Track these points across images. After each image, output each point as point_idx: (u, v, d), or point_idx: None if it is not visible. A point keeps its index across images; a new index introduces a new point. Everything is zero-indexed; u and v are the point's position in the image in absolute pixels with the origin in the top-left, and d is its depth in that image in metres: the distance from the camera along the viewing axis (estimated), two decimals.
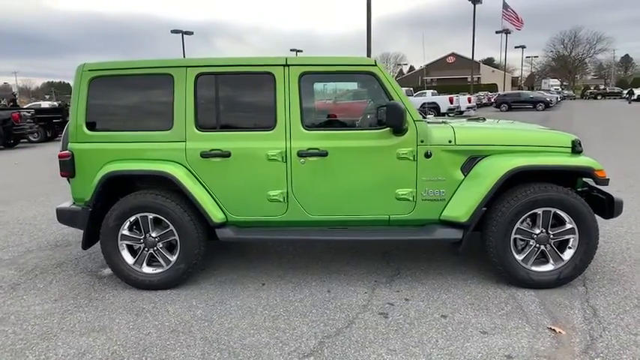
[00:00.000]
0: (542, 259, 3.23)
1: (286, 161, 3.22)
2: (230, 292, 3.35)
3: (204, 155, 3.25)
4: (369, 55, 17.84)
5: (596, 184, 3.17)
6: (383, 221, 3.33)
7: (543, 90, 43.46)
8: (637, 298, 3.04)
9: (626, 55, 76.12)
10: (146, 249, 3.37)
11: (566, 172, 3.21)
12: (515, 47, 50.61)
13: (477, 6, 26.85)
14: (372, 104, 3.88)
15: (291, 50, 39.55)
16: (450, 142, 3.22)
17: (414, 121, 3.19)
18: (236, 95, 3.38)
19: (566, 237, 3.17)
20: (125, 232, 3.35)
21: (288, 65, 3.21)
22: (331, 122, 3.76)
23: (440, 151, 3.21)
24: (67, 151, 3.37)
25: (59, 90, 77.05)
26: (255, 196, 3.29)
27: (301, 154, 3.21)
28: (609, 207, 3.20)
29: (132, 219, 3.32)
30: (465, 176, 3.24)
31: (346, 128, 3.39)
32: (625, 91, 42.33)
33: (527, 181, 3.19)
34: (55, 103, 19.63)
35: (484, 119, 3.96)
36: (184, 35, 33.75)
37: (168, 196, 3.27)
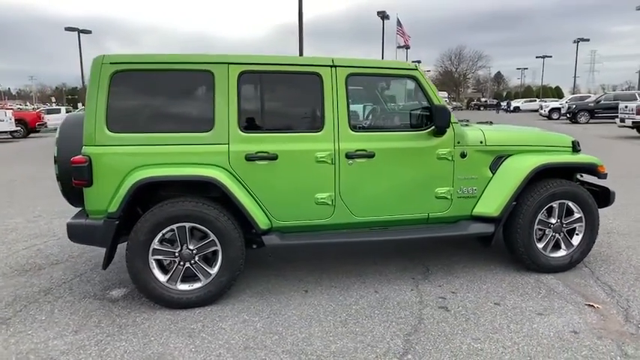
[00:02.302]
0: (556, 245, 3.64)
1: (335, 163, 3.18)
2: (277, 302, 3.18)
3: (250, 158, 3.06)
4: (300, 55, 17.98)
5: (598, 178, 3.67)
6: (422, 219, 3.46)
7: None
8: (632, 273, 3.59)
9: (499, 72, 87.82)
10: (182, 263, 3.04)
11: (575, 168, 3.67)
12: (413, 62, 55.07)
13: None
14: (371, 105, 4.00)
15: None
16: (481, 142, 3.48)
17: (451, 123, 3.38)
18: (281, 95, 3.25)
19: (575, 225, 3.62)
20: (157, 245, 2.99)
21: (335, 66, 3.18)
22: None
23: (473, 151, 3.45)
24: (82, 157, 2.91)
25: None
26: (303, 199, 3.19)
27: (350, 156, 3.20)
28: (605, 197, 3.72)
29: (165, 230, 2.98)
30: (493, 174, 3.52)
31: (391, 129, 3.45)
32: (503, 103, 49.19)
33: (541, 178, 3.57)
34: None
35: (491, 123, 4.32)
36: (64, 32, 30.18)
37: (209, 204, 3.01)
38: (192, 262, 3.05)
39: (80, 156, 2.93)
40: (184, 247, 3.03)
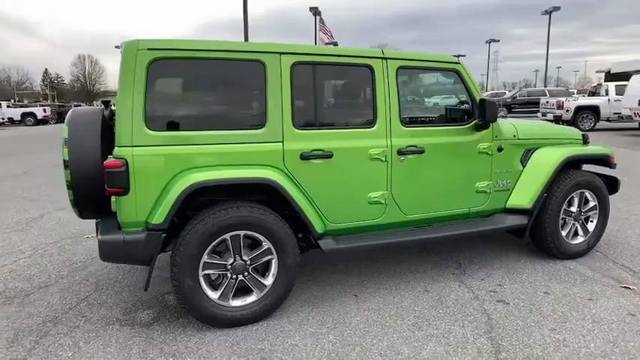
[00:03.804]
0: (574, 233, 3.84)
1: (387, 160, 3.04)
2: (332, 309, 2.97)
3: (305, 157, 2.81)
4: None
5: (610, 168, 3.93)
6: (464, 214, 3.45)
7: None
8: (639, 255, 3.90)
9: None
10: (234, 276, 2.72)
11: (594, 159, 3.88)
12: None
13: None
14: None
15: (116, 47, 35.18)
16: (514, 136, 3.54)
17: None
18: (334, 88, 3.03)
19: (590, 213, 3.84)
20: (207, 259, 2.64)
21: (386, 58, 3.03)
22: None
23: (508, 145, 3.51)
24: (117, 160, 2.45)
25: None
26: (357, 199, 3.01)
27: (401, 152, 3.08)
28: (613, 185, 3.99)
29: (217, 241, 2.64)
30: (524, 167, 3.61)
31: (439, 124, 3.37)
32: None
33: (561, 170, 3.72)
34: None
35: (504, 116, 4.43)
36: None
37: (264, 209, 2.71)
38: (245, 274, 2.74)
39: (113, 159, 2.47)
40: (237, 258, 2.70)
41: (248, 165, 2.69)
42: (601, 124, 16.18)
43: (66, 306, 3.08)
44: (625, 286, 3.26)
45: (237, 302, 2.74)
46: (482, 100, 3.21)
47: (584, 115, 15.34)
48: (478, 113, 3.25)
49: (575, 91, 29.87)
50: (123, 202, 2.51)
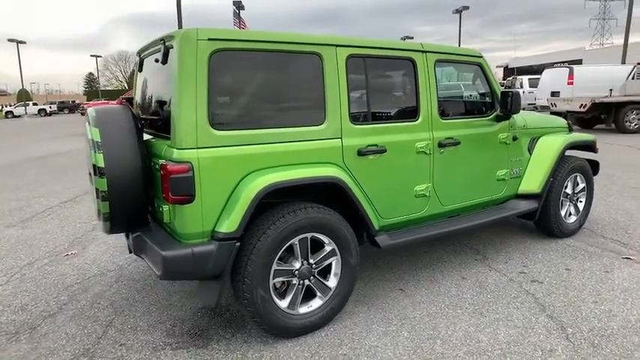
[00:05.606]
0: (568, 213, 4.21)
1: (430, 153, 3.07)
2: (388, 306, 2.94)
3: (362, 153, 2.74)
4: None
5: (594, 153, 4.35)
6: (486, 202, 3.60)
7: None
8: (620, 228, 4.37)
9: None
10: (301, 282, 2.56)
11: (584, 145, 4.26)
12: None
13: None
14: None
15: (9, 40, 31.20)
16: (524, 126, 3.78)
17: None
18: (383, 82, 2.98)
19: (579, 194, 4.24)
20: (276, 266, 2.46)
21: (425, 51, 3.05)
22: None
23: (521, 134, 3.73)
24: (182, 164, 2.17)
25: None
26: (405, 193, 3.01)
27: (442, 144, 3.13)
28: (595, 168, 4.43)
29: (285, 247, 2.47)
30: (531, 154, 3.87)
31: (468, 116, 3.45)
32: None
33: None
34: None
35: None
36: None
37: (328, 209, 2.60)
38: (311, 278, 2.60)
39: (175, 163, 2.19)
40: (304, 262, 2.55)
41: (312, 163, 2.54)
42: None
43: (92, 335, 2.68)
44: (626, 257, 3.65)
45: (303, 309, 2.59)
46: (506, 93, 3.37)
47: None
48: (501, 105, 3.41)
49: None
50: (187, 211, 2.23)
